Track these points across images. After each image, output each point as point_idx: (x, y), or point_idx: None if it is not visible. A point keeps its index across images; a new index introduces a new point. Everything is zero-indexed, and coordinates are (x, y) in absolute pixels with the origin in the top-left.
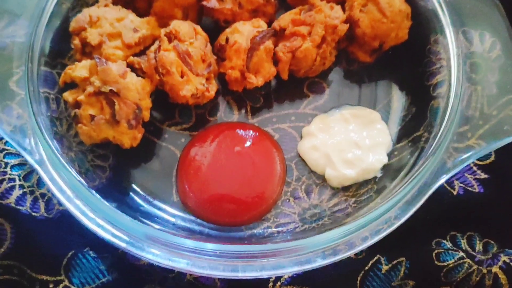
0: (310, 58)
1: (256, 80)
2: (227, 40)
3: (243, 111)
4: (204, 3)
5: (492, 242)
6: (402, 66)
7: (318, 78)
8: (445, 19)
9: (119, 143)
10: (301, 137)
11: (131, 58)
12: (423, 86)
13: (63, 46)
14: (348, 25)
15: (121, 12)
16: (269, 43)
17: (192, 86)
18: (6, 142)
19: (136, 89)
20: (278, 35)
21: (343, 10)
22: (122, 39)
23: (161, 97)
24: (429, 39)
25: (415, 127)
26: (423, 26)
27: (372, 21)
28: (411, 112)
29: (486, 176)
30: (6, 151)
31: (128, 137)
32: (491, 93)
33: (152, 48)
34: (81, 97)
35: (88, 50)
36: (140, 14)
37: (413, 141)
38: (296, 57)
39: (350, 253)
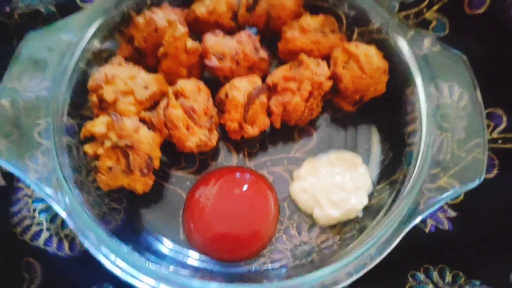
0: (299, 110)
1: (252, 131)
2: (226, 95)
3: (241, 155)
4: (206, 61)
5: (461, 273)
6: (381, 115)
7: (307, 125)
8: (417, 74)
9: (133, 189)
10: (292, 180)
11: (143, 113)
12: (399, 134)
13: (82, 99)
14: (332, 81)
15: (133, 70)
16: (263, 98)
17: (196, 137)
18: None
19: (147, 141)
20: (271, 90)
21: (328, 65)
22: (134, 96)
23: (169, 145)
24: (404, 92)
25: (392, 171)
26: (398, 80)
27: (353, 77)
28: (388, 157)
29: (455, 214)
30: (34, 197)
31: (141, 184)
32: (460, 137)
33: (161, 105)
34: (100, 151)
35: (104, 106)
36: (149, 68)
37: (390, 184)
38: (286, 110)
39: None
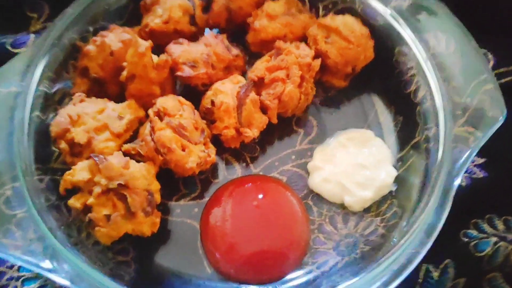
0: (296, 98)
1: (252, 133)
2: (212, 103)
3: (243, 163)
4: (179, 73)
5: (510, 217)
6: (376, 82)
7: (303, 113)
8: (402, 30)
9: (140, 234)
10: (309, 173)
11: (125, 146)
12: (402, 95)
13: (47, 151)
14: (320, 59)
15: (99, 103)
16: (253, 95)
17: (195, 156)
18: (19, 268)
19: (142, 175)
20: (258, 85)
21: (308, 46)
22: (110, 130)
23: (162, 174)
24: (393, 52)
25: (410, 134)
26: (384, 42)
27: (340, 49)
28: (399, 122)
29: (483, 160)
30: (22, 277)
31: (147, 225)
32: (459, 84)
33: (146, 131)
34: (91, 200)
35: (77, 150)
36: (113, 98)
37: (414, 147)
38: (282, 101)
39: (404, 275)
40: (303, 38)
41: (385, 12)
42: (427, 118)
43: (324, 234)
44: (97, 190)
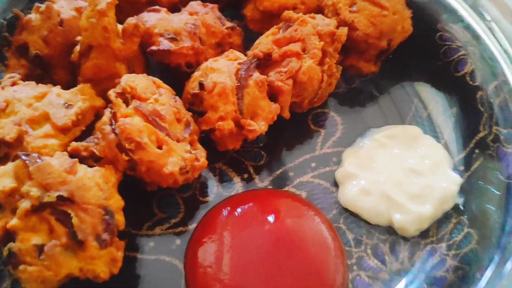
0: (316, 79)
1: (258, 126)
2: (201, 85)
3: (245, 175)
4: (154, 48)
5: None
6: (414, 64)
7: (321, 109)
8: None
9: (92, 276)
10: (338, 185)
11: (73, 144)
12: (453, 79)
13: None
14: (346, 28)
15: (40, 88)
16: (257, 75)
17: (177, 157)
18: None
19: (96, 184)
20: (263, 64)
21: None
22: (51, 122)
23: (126, 185)
24: (435, 26)
25: (471, 129)
26: (424, 12)
27: (371, 17)
28: (453, 114)
29: None
30: None
31: (103, 263)
32: None
33: (104, 119)
34: (13, 222)
35: (2, 153)
36: (61, 87)
37: (479, 146)
38: (299, 82)
39: None
40: (318, 12)
41: None
42: (493, 105)
43: (367, 271)
44: (24, 205)
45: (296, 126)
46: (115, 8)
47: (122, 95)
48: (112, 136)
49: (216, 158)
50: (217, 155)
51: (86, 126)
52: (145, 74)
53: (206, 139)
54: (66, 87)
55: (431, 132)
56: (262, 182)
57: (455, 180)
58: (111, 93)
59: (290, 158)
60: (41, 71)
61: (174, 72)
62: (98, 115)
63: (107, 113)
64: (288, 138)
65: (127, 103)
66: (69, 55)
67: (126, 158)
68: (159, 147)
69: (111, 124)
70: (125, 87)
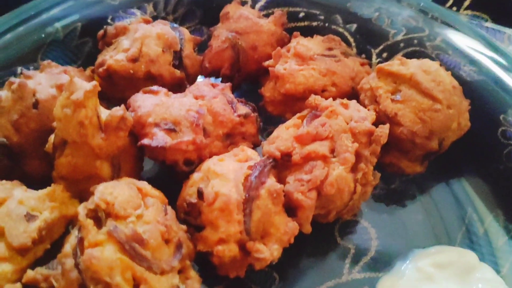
0: (348, 191)
1: (269, 252)
2: (200, 194)
3: None
4: (145, 142)
5: None
6: (469, 166)
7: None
8: None
9: None
10: None
11: (29, 273)
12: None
13: None
14: (388, 125)
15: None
16: (272, 182)
17: None
18: None
19: None
20: (281, 166)
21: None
22: (5, 241)
23: None
24: (498, 119)
25: None
26: (483, 103)
27: (419, 111)
28: None
29: None
30: None
31: None
32: None
33: (66, 249)
34: None
35: None
36: (34, 183)
37: None
38: (324, 195)
39: None
40: (352, 96)
41: (483, 61)
42: None
43: None
44: None
45: (319, 238)
46: (106, 84)
47: (94, 211)
48: (74, 274)
49: (215, 280)
50: (218, 278)
51: (51, 243)
52: (129, 180)
53: (205, 258)
54: (40, 180)
55: (490, 258)
56: None
57: None
58: (80, 211)
59: (310, 283)
60: (10, 162)
61: (171, 169)
62: (71, 225)
63: (72, 238)
64: (308, 255)
65: (100, 223)
66: (44, 144)
67: None
68: (136, 286)
69: (74, 256)
70: (98, 203)
